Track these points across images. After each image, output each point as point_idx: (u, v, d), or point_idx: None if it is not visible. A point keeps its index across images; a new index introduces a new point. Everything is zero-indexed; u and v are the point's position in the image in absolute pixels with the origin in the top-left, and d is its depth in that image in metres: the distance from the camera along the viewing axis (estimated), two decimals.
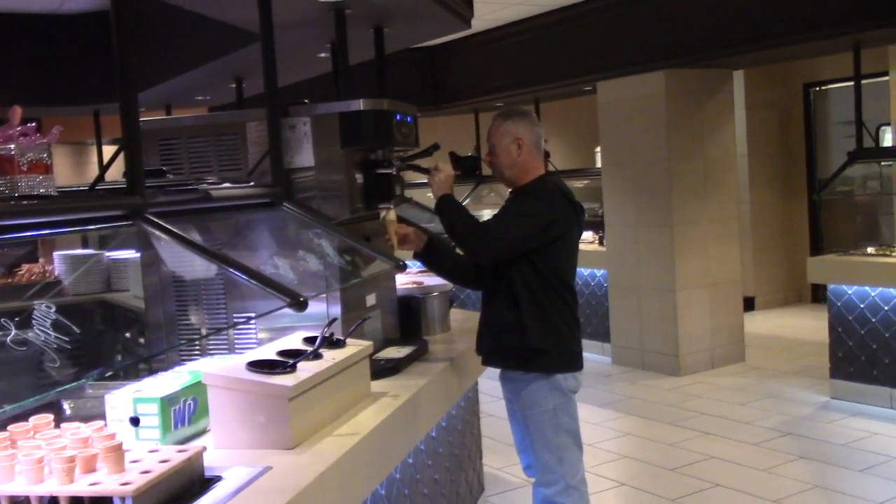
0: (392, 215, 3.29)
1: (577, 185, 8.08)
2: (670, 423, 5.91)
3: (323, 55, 4.53)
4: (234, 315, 3.05)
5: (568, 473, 3.24)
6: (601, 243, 8.07)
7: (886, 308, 5.86)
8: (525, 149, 3.24)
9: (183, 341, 3.11)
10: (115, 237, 4.12)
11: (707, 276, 7.42)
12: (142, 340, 3.64)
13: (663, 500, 4.55)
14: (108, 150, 8.70)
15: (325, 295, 3.00)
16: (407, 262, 3.19)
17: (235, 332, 3.10)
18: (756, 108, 9.86)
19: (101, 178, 2.58)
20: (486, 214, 9.13)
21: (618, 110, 7.62)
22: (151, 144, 3.17)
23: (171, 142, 3.24)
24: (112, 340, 4.25)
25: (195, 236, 2.31)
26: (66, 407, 2.70)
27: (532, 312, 3.15)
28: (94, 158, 10.11)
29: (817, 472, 4.84)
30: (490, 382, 4.30)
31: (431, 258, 3.36)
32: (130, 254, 4.19)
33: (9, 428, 2.12)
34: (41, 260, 4.82)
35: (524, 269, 3.15)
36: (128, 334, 4.15)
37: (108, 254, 4.39)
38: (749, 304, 9.30)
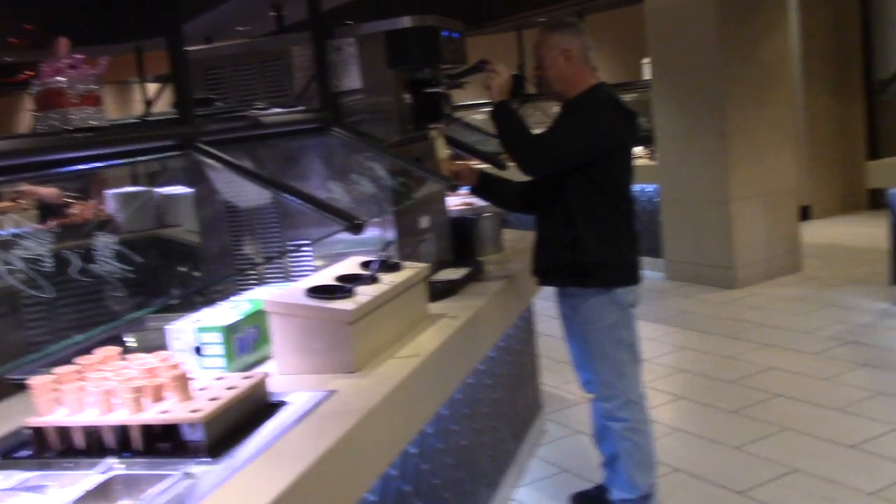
0: (443, 153, 3.27)
1: (624, 98, 7.90)
2: (727, 336, 5.86)
3: None
4: (289, 242, 3.05)
5: (628, 388, 3.23)
6: (652, 157, 7.92)
7: None
8: (574, 60, 3.14)
9: (239, 270, 3.13)
10: (165, 172, 4.13)
11: (762, 185, 7.25)
12: (197, 273, 3.68)
13: (723, 411, 4.53)
14: (152, 88, 8.73)
15: (379, 219, 2.99)
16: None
17: (291, 259, 3.11)
18: (810, 7, 9.47)
19: (149, 110, 2.57)
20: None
21: (667, 18, 7.38)
22: (197, 75, 3.15)
23: (217, 71, 3.21)
24: (169, 274, 4.30)
25: (247, 163, 2.29)
26: (130, 339, 2.74)
27: (588, 227, 3.09)
28: (138, 97, 10.16)
29: (879, 380, 4.77)
30: (544, 303, 4.28)
31: (486, 192, 3.42)
32: (181, 189, 4.21)
33: (77, 360, 2.16)
34: (93, 200, 4.86)
35: (580, 183, 3.08)
36: (184, 268, 4.19)
37: (158, 189, 4.42)
38: (805, 213, 9.10)
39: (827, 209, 9.78)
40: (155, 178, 4.58)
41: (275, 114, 2.69)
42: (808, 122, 9.58)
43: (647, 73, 7.93)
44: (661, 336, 6.02)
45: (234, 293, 2.84)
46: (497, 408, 3.57)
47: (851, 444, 3.96)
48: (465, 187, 3.41)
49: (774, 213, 7.34)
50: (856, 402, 4.46)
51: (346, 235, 2.44)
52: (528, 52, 9.38)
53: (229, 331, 2.38)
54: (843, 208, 9.89)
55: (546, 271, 3.28)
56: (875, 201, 9.47)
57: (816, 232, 8.89)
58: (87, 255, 1.74)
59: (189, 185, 3.20)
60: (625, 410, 3.23)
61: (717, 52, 6.97)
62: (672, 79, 7.41)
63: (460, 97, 3.88)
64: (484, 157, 4.14)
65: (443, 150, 3.31)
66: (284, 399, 2.15)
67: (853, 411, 4.36)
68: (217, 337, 2.36)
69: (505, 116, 3.12)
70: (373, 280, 2.55)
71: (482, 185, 3.38)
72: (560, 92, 3.21)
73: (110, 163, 2.04)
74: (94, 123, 1.97)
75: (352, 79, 3.02)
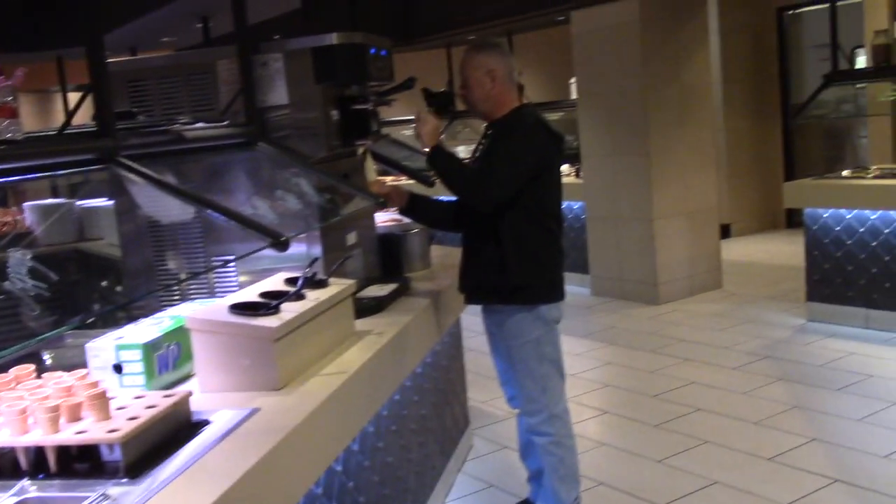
0: (372, 175, 3.29)
1: (552, 117, 8.01)
2: (650, 351, 5.98)
3: None
4: (214, 258, 3.01)
5: (551, 402, 3.27)
6: (578, 175, 8.05)
7: (861, 230, 5.91)
8: (499, 80, 3.19)
9: (162, 286, 3.07)
10: (85, 185, 4.04)
11: (684, 204, 7.44)
12: (119, 288, 3.60)
13: (646, 426, 4.62)
14: (73, 98, 8.51)
15: (304, 235, 2.97)
16: None
17: (215, 275, 3.06)
18: (730, 33, 9.78)
19: (68, 122, 2.51)
20: (462, 151, 9.08)
21: (592, 40, 7.53)
22: (119, 87, 3.09)
23: (140, 83, 3.15)
24: (89, 289, 4.20)
25: (170, 178, 2.26)
26: (47, 357, 2.67)
27: (515, 248, 3.14)
28: (59, 106, 9.90)
29: (796, 393, 4.92)
30: (471, 318, 4.30)
31: (414, 213, 3.46)
32: (101, 201, 4.11)
33: None
34: (12, 209, 4.72)
35: (508, 204, 3.13)
36: (104, 282, 4.09)
37: (78, 202, 4.31)
38: (725, 232, 9.36)
39: (746, 228, 10.07)
40: (75, 191, 4.47)
41: (199, 128, 2.66)
42: (728, 143, 9.86)
43: (573, 93, 8.07)
44: (587, 351, 6.10)
45: (156, 310, 2.79)
46: (424, 424, 3.57)
47: (769, 456, 4.07)
48: (397, 210, 3.44)
49: (696, 232, 7.53)
50: (773, 416, 4.59)
51: (271, 252, 2.42)
52: (457, 70, 9.47)
53: (150, 348, 2.33)
54: (761, 227, 10.19)
55: (472, 289, 3.32)
56: (791, 220, 9.80)
57: (736, 250, 9.14)
58: (2, 270, 1.69)
59: (111, 198, 3.13)
60: (549, 425, 3.27)
61: (640, 74, 7.14)
62: (597, 99, 7.56)
63: (388, 114, 3.89)
64: (412, 173, 4.16)
65: (372, 173, 3.34)
66: (207, 418, 2.11)
67: (770, 424, 4.48)
68: (137, 354, 2.31)
69: (442, 162, 3.16)
70: (298, 297, 2.54)
71: (411, 206, 3.41)
72: (485, 112, 3.26)
73: (27, 176, 1.98)
74: (10, 136, 1.92)
75: (278, 94, 3.01)
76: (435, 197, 3.58)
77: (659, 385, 5.25)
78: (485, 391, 5.06)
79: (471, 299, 3.35)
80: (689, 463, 4.07)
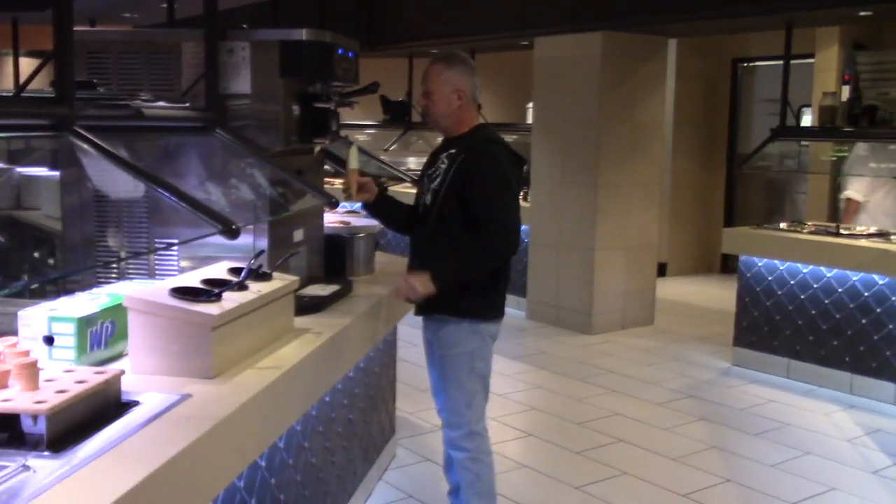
0: (354, 163, 3.27)
1: (506, 139, 8.09)
2: (579, 379, 6.05)
3: None
4: (158, 240, 2.97)
5: (473, 419, 3.30)
6: (525, 199, 8.13)
7: (792, 282, 6.08)
8: (464, 99, 3.22)
9: (100, 262, 3.02)
10: (34, 151, 3.94)
11: (625, 238, 7.57)
12: (51, 262, 3.52)
13: (567, 451, 4.67)
14: (25, 63, 8.30)
15: (252, 227, 2.95)
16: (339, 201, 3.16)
17: (157, 258, 3.02)
18: (686, 78, 10.00)
19: (24, 87, 2.46)
20: (412, 162, 9.09)
21: (553, 68, 7.64)
22: (79, 57, 3.02)
23: (101, 55, 3.10)
24: (20, 259, 4.09)
25: (124, 154, 2.23)
26: None
27: None
28: (9, 70, 9.64)
29: (715, 434, 5.03)
30: (407, 329, 4.31)
31: (380, 208, 3.47)
32: (44, 171, 4.02)
33: None
34: None
35: (464, 224, 3.16)
36: (37, 253, 4.00)
37: (20, 168, 4.20)
38: (662, 270, 9.53)
39: (682, 268, 10.27)
40: (16, 158, 4.35)
41: (159, 107, 2.62)
42: (673, 184, 10.07)
43: (529, 118, 8.16)
44: (517, 373, 6.15)
45: (94, 285, 2.74)
46: (350, 428, 3.56)
47: (683, 493, 4.16)
48: (362, 202, 3.43)
49: (634, 267, 7.66)
50: (691, 454, 4.68)
51: (216, 240, 2.40)
52: (417, 80, 9.50)
53: (84, 323, 2.29)
54: (696, 269, 10.40)
55: (422, 304, 3.30)
56: (727, 266, 10.03)
57: (670, 288, 9.31)
58: None
59: (58, 167, 3.06)
60: (468, 440, 3.29)
61: (596, 107, 7.26)
62: (552, 127, 7.66)
63: (348, 116, 3.88)
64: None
65: (355, 162, 3.29)
66: (137, 399, 2.08)
67: (688, 462, 4.57)
68: (70, 328, 2.27)
69: (453, 275, 3.15)
70: (241, 287, 2.52)
71: (377, 202, 3.42)
72: (445, 127, 3.28)
73: None
74: None
75: (241, 83, 2.98)
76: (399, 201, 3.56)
77: (584, 413, 5.32)
78: (414, 402, 5.07)
79: (419, 311, 3.36)
80: (607, 492, 4.13)
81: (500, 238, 3.13)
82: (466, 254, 3.15)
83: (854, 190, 6.83)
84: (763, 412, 5.45)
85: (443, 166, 3.25)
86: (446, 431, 3.36)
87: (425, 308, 3.31)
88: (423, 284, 3.11)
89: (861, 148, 6.73)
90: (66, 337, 2.27)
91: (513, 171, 3.23)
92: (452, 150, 3.25)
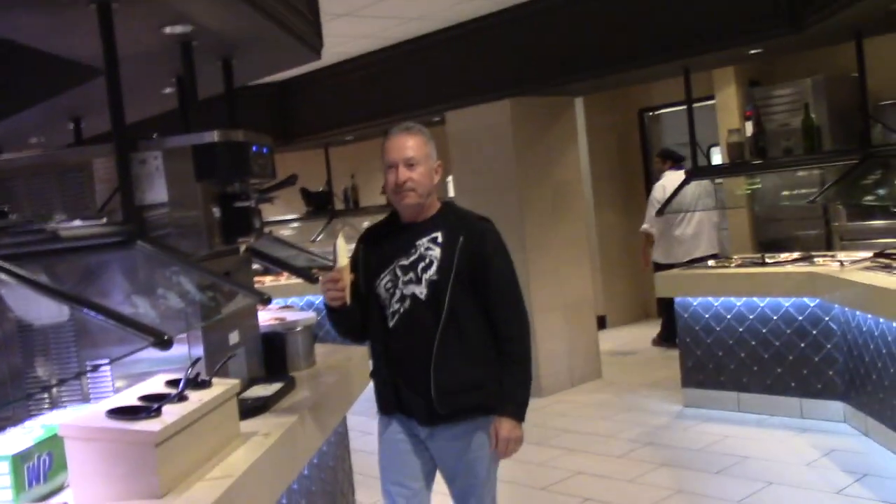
0: (344, 259, 2.97)
1: None
2: (536, 444, 6.00)
3: (168, 90, 4.38)
4: (88, 362, 2.87)
5: None
6: None
7: (729, 316, 6.19)
8: (439, 175, 3.11)
9: (30, 393, 2.90)
10: None
11: (561, 297, 7.63)
12: None
13: None
14: None
15: (185, 335, 2.88)
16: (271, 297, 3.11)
17: (90, 380, 2.92)
18: (596, 132, 10.28)
19: None
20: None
21: (467, 139, 7.77)
22: None
23: (9, 183, 3.03)
24: None
25: (44, 279, 2.16)
26: None
27: (492, 364, 3.08)
28: None
29: (678, 478, 5.02)
30: (358, 418, 4.24)
31: (350, 312, 3.08)
32: None
33: None
34: None
35: (473, 313, 3.03)
36: None
37: None
38: (601, 323, 9.62)
39: (621, 318, 10.39)
40: None
41: (75, 227, 2.57)
42: (600, 236, 10.25)
43: (451, 191, 8.26)
44: None
45: (26, 418, 2.62)
46: None
47: None
48: (325, 302, 3.11)
49: (574, 324, 7.71)
50: (659, 502, 4.66)
51: (150, 353, 2.32)
52: (335, 169, 9.56)
53: (19, 460, 2.18)
54: (635, 317, 10.53)
55: (453, 412, 3.03)
56: (662, 309, 10.16)
57: (613, 340, 9.40)
58: None
59: None
60: None
61: (514, 171, 7.39)
62: (473, 195, 7.74)
63: (271, 212, 3.86)
64: (296, 271, 4.11)
65: (344, 258, 2.98)
66: None
67: None
68: (5, 467, 2.16)
69: (526, 394, 3.12)
70: (181, 398, 2.44)
71: (346, 308, 3.04)
72: (422, 204, 3.05)
73: None
74: None
75: (157, 192, 2.94)
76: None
77: (546, 477, 5.26)
78: (374, 493, 4.92)
79: (433, 419, 3.02)
80: None
81: (526, 326, 3.08)
82: (519, 364, 3.06)
83: (648, 224, 8.22)
84: (721, 449, 5.47)
85: (432, 253, 3.01)
86: None
87: (449, 416, 3.01)
88: (511, 430, 3.01)
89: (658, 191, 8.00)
90: (2, 476, 2.16)
91: None
92: (436, 234, 3.03)
